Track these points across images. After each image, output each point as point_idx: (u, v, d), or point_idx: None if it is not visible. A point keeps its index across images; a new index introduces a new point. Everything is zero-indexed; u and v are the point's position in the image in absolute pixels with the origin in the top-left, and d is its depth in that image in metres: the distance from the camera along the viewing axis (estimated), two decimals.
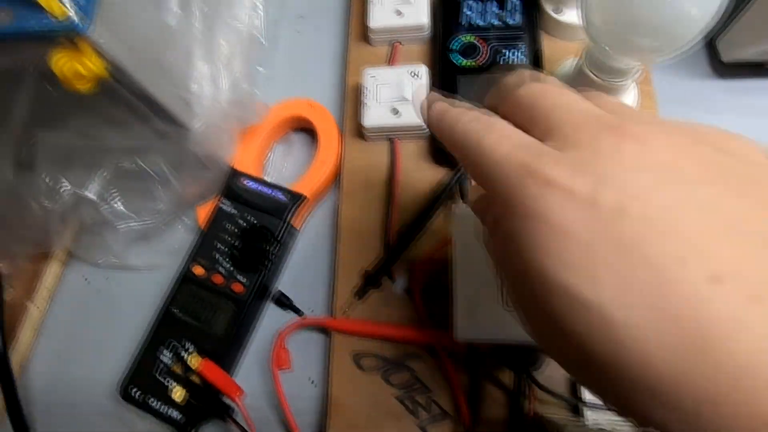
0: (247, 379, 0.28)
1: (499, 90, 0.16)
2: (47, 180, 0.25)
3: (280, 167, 0.34)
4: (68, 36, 0.19)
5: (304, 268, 0.31)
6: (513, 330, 0.21)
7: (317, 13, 0.39)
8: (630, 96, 0.29)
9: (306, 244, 0.32)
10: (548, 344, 0.13)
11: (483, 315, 0.21)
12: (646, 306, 0.10)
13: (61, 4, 0.18)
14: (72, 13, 0.18)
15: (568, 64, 0.30)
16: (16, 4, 0.18)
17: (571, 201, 0.11)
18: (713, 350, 0.09)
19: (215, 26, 0.27)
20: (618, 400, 0.11)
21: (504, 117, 0.15)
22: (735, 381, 0.09)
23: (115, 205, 0.29)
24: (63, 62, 0.19)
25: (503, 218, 0.13)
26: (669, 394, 0.10)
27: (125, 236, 0.31)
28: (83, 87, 0.20)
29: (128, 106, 0.23)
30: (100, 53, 0.20)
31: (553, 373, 0.24)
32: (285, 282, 0.31)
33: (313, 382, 0.28)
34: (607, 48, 0.22)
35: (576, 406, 0.23)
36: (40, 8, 0.18)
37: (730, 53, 0.31)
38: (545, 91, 0.14)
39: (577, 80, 0.27)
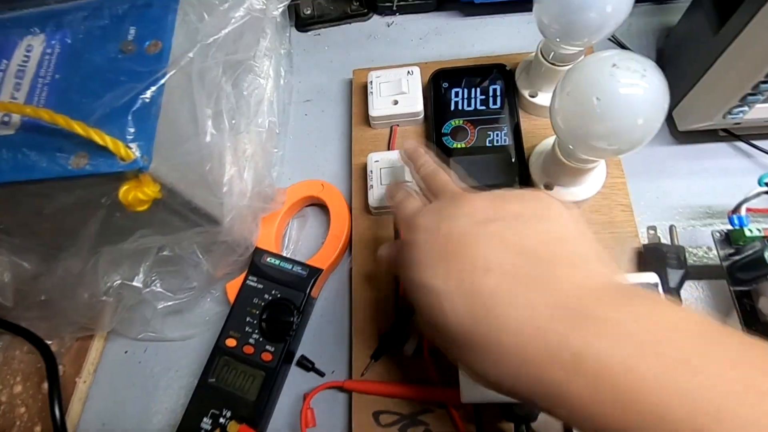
0: None
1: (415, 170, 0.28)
2: (105, 281, 0.29)
3: (297, 240, 0.38)
4: (135, 173, 0.23)
5: (322, 333, 0.35)
6: None
7: (322, 97, 0.44)
8: (599, 169, 0.33)
9: (323, 308, 0.36)
10: (422, 326, 0.22)
11: None
12: (456, 287, 0.18)
13: (128, 150, 0.22)
14: (137, 155, 0.23)
15: (545, 143, 0.34)
16: (91, 149, 0.23)
17: (424, 231, 0.21)
18: (487, 311, 0.17)
19: (240, 133, 0.32)
20: (448, 353, 0.19)
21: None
22: (496, 328, 0.17)
23: (155, 288, 0.33)
24: (128, 193, 0.23)
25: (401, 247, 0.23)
26: (468, 341, 0.18)
27: (162, 312, 0.35)
28: (142, 208, 0.24)
29: (176, 214, 0.27)
30: (156, 181, 0.24)
31: (548, 423, 0.28)
32: (305, 345, 0.35)
33: None
34: (571, 147, 0.27)
35: None
36: (111, 153, 0.22)
37: (684, 123, 0.35)
38: (433, 175, 0.26)
39: (553, 162, 0.32)
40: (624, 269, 0.32)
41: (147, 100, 0.24)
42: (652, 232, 0.32)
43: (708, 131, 0.36)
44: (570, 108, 0.25)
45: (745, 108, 0.31)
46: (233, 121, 0.30)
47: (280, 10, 0.38)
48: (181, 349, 0.36)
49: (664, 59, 0.39)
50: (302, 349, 0.34)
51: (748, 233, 0.28)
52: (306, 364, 0.34)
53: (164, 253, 0.32)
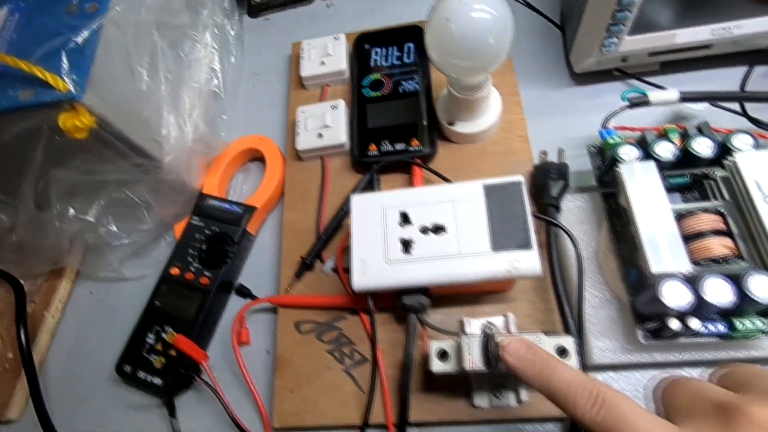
0: (216, 355, 0.36)
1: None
2: (58, 208, 0.34)
3: (241, 189, 0.43)
4: (69, 102, 0.28)
5: (259, 264, 0.39)
6: (392, 279, 0.28)
7: (269, 72, 0.49)
8: (494, 104, 0.37)
9: (260, 245, 0.40)
10: None
11: (372, 270, 0.29)
12: None
13: (64, 82, 0.28)
14: (71, 87, 0.28)
15: (447, 88, 0.39)
16: (35, 85, 0.28)
17: None
18: None
19: (179, 88, 0.37)
20: None
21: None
22: None
23: (110, 227, 0.38)
24: (66, 120, 0.28)
25: None
26: None
27: (120, 253, 0.40)
28: (81, 136, 0.29)
29: (114, 147, 0.32)
30: (91, 111, 0.29)
31: (438, 316, 0.31)
32: (246, 277, 0.39)
33: (268, 352, 0.35)
34: (448, 72, 0.31)
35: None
36: (51, 86, 0.28)
37: (578, 65, 0.39)
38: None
39: (450, 99, 0.36)
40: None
41: (81, 45, 0.29)
42: (543, 155, 0.35)
43: (603, 72, 0.40)
44: (434, 35, 0.29)
45: (615, 39, 0.35)
46: (169, 76, 0.36)
47: (226, 3, 0.45)
48: (138, 288, 0.40)
49: (565, 8, 0.43)
50: (242, 280, 0.39)
51: (611, 141, 0.31)
52: (243, 291, 0.38)
53: (116, 195, 0.37)
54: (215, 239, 0.37)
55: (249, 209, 0.38)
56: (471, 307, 0.32)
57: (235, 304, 0.38)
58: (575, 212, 0.33)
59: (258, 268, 0.39)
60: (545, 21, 0.44)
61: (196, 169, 0.40)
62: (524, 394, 0.29)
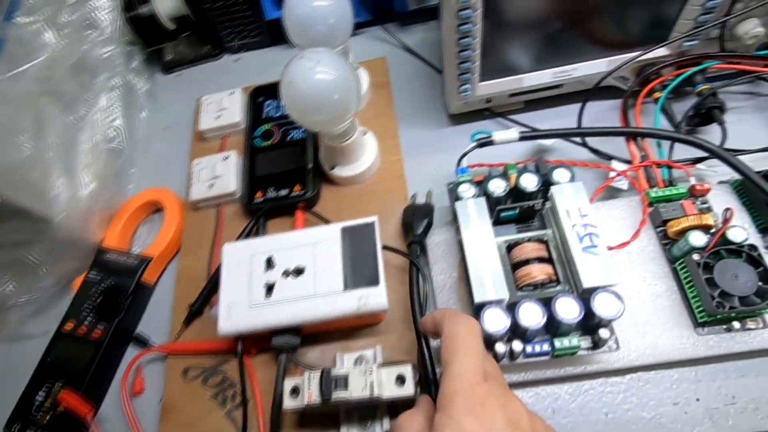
0: (110, 407, 0.36)
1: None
2: None
3: (145, 240, 0.44)
4: None
5: (158, 312, 0.40)
6: (253, 322, 0.30)
7: (179, 124, 0.51)
8: (370, 148, 0.40)
9: (161, 293, 0.41)
10: None
11: (236, 315, 0.31)
12: None
13: None
14: None
15: None
16: None
17: None
18: None
19: (72, 150, 0.39)
20: None
21: None
22: None
23: (8, 287, 0.39)
24: None
25: None
26: None
27: (19, 312, 0.40)
28: None
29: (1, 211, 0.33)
30: None
31: (315, 353, 0.33)
32: (146, 325, 0.40)
33: (160, 401, 0.36)
34: (309, 127, 0.34)
35: None
36: None
37: (450, 107, 0.43)
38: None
39: (327, 146, 0.39)
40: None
41: None
42: (411, 198, 0.38)
43: (475, 112, 0.43)
44: (285, 97, 0.32)
45: (468, 85, 0.38)
46: (58, 141, 0.38)
47: (135, 64, 0.48)
48: (42, 344, 0.41)
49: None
50: (142, 328, 0.40)
51: (461, 179, 0.34)
52: (142, 340, 0.39)
53: (15, 256, 0.38)
54: (110, 292, 0.39)
55: (144, 260, 0.40)
56: (345, 342, 0.34)
57: (133, 354, 0.39)
58: (441, 246, 0.36)
59: (157, 316, 0.40)
60: (428, 66, 0.48)
61: (95, 224, 0.41)
62: (387, 424, 0.30)
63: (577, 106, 0.42)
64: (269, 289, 0.31)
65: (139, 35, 0.52)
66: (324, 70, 0.30)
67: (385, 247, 0.34)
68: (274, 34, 0.54)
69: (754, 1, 0.33)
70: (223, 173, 0.41)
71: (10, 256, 0.38)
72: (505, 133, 0.35)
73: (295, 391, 0.28)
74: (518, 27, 0.35)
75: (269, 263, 0.32)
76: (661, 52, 0.37)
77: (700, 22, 0.34)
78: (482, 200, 0.30)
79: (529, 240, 0.30)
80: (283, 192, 0.40)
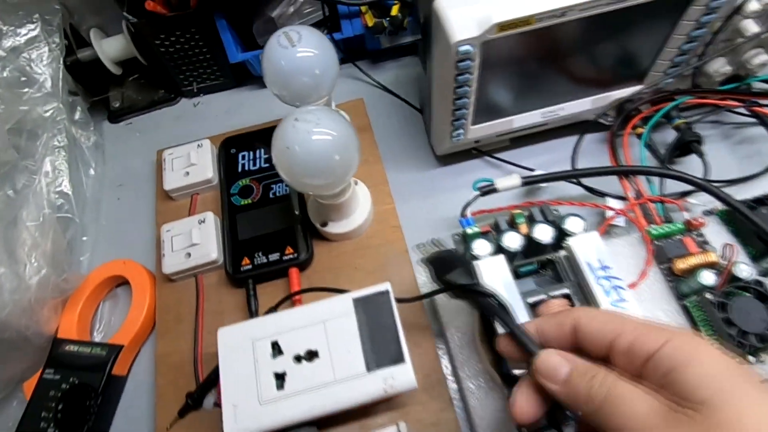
0: None
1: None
2: None
3: (109, 320, 0.39)
4: None
5: (134, 406, 0.35)
6: (267, 422, 0.26)
7: (134, 181, 0.46)
8: (363, 200, 0.38)
9: (135, 383, 0.36)
10: None
11: (245, 416, 0.27)
12: None
13: None
14: None
15: None
16: None
17: None
18: None
19: (12, 231, 0.33)
20: None
21: None
22: None
23: None
24: None
25: None
26: None
27: None
28: None
29: None
30: None
31: None
32: (119, 424, 0.34)
33: None
34: (306, 191, 0.31)
35: None
36: None
37: (438, 149, 0.42)
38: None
39: (316, 203, 0.36)
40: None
41: None
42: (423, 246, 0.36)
43: (462, 152, 0.42)
44: (280, 163, 0.29)
45: (461, 130, 0.37)
46: None
47: (78, 115, 0.42)
48: None
49: (422, 95, 0.46)
50: (116, 427, 0.34)
51: (470, 231, 0.33)
52: None
53: None
54: (74, 393, 0.33)
55: (114, 348, 0.34)
56: (364, 420, 0.31)
57: None
58: (451, 303, 0.34)
59: (132, 411, 0.35)
60: (407, 105, 0.47)
61: (46, 314, 0.35)
62: None
63: (560, 141, 0.42)
64: (280, 379, 0.28)
65: (81, 83, 0.47)
66: (323, 131, 0.28)
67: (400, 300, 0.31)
68: (238, 76, 0.50)
69: (723, 44, 0.35)
70: (201, 240, 0.37)
71: None
72: (508, 179, 0.34)
73: None
74: (510, 72, 0.34)
75: (276, 348, 0.28)
76: (638, 89, 0.38)
77: (676, 63, 0.36)
78: (502, 258, 0.29)
79: (553, 297, 0.29)
80: (274, 257, 0.36)
